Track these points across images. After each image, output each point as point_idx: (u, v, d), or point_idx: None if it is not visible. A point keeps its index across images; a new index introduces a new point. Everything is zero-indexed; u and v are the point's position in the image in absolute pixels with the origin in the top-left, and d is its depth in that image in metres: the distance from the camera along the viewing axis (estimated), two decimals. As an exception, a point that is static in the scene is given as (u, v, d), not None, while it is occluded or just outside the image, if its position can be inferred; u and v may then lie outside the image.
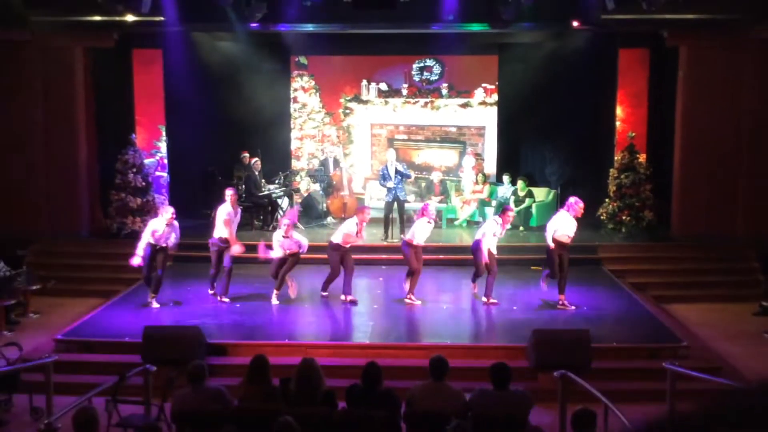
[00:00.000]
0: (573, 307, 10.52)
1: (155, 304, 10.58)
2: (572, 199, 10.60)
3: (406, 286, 10.84)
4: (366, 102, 16.08)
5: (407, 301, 10.76)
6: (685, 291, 12.24)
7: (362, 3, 10.30)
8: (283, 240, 10.61)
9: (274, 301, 10.70)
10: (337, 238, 10.73)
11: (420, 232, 10.76)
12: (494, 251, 10.76)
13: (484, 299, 10.67)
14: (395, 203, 13.40)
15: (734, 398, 0.69)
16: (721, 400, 0.69)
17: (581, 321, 9.86)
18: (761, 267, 12.73)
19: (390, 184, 13.35)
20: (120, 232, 13.71)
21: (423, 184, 15.70)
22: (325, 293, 10.95)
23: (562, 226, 10.42)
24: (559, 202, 15.00)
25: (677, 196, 13.90)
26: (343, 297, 10.71)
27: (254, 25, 12.38)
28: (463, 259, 11.91)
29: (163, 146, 14.98)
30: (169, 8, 11.73)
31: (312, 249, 11.36)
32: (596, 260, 12.93)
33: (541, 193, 15.00)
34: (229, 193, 10.97)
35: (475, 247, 10.64)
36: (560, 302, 10.56)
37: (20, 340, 9.15)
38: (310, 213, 15.18)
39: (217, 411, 6.08)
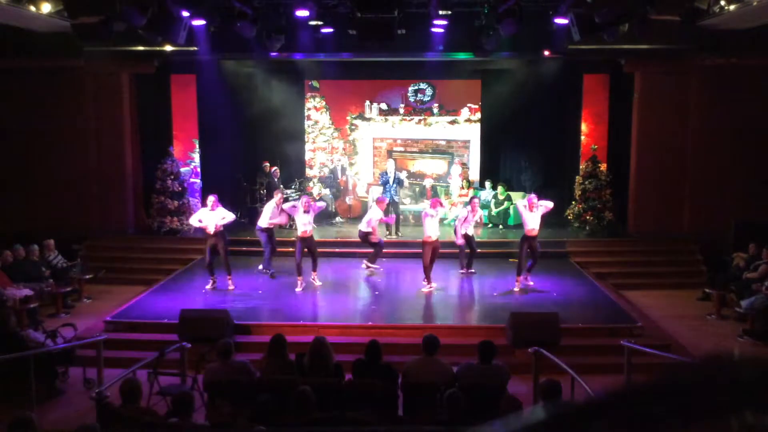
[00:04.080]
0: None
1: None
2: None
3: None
4: (369, 119, 16.03)
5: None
6: (639, 279, 12.23)
7: (366, 35, 10.23)
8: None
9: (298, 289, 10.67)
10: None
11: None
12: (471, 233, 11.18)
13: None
14: (390, 205, 13.37)
15: (682, 371, 0.69)
16: (671, 373, 0.69)
17: (552, 304, 9.84)
18: (704, 259, 12.73)
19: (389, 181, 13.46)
20: (160, 230, 13.69)
21: (417, 189, 15.67)
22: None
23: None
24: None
25: (633, 199, 13.89)
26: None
27: (274, 54, 12.35)
28: (451, 252, 11.83)
29: (196, 157, 14.96)
30: (202, 40, 11.71)
31: (321, 244, 11.32)
32: (564, 254, 12.92)
33: (517, 197, 14.91)
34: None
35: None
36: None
37: (75, 322, 9.18)
38: (322, 213, 15.08)
39: (243, 381, 6.08)
